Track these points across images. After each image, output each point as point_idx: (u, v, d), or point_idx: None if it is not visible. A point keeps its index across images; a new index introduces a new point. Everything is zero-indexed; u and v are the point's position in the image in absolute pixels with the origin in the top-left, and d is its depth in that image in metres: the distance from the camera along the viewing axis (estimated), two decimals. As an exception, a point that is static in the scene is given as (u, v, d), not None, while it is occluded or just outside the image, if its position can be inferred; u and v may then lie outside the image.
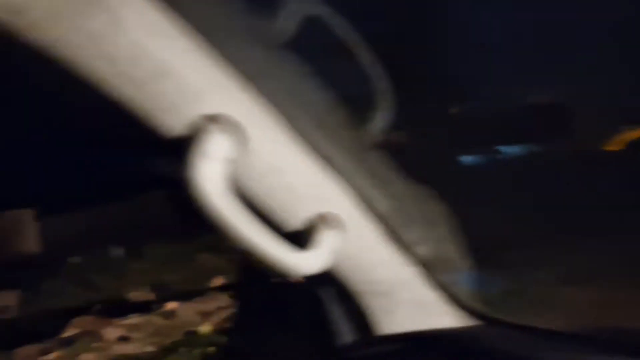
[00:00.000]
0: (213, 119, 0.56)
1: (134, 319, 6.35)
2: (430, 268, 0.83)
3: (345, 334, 0.80)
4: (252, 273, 1.30)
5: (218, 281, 8.09)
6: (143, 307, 7.03)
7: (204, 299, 6.83)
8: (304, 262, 0.65)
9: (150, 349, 5.64)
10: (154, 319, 6.29)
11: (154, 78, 0.54)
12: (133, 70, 0.53)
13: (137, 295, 8.04)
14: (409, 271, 0.80)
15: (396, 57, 0.78)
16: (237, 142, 0.58)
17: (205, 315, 6.30)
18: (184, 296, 7.15)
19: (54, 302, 8.67)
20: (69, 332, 6.42)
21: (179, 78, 0.55)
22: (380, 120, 0.76)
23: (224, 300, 6.73)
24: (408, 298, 0.81)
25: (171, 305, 6.68)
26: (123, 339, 5.87)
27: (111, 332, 6.03)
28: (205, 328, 5.84)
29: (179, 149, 0.57)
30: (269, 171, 0.64)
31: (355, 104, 0.74)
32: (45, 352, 5.91)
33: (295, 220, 0.68)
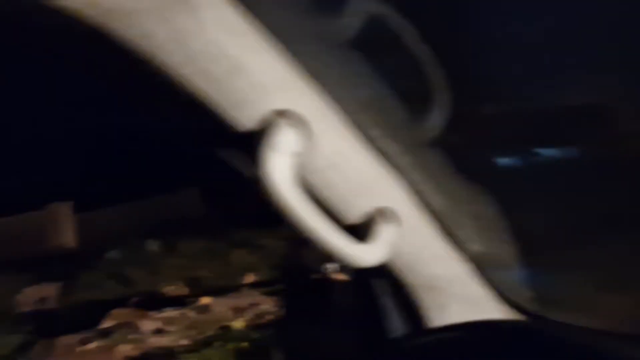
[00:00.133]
0: (283, 114, 0.59)
1: (169, 313, 6.49)
2: (482, 265, 0.83)
3: (397, 326, 0.82)
4: (295, 270, 1.32)
5: (251, 278, 8.19)
6: (178, 301, 7.17)
7: (237, 295, 6.93)
8: (364, 254, 0.67)
9: (185, 342, 5.75)
10: (189, 313, 6.42)
11: (229, 75, 0.56)
12: (210, 67, 0.56)
13: (172, 289, 8.20)
14: (461, 267, 0.81)
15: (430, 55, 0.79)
16: (303, 137, 0.61)
17: (238, 311, 6.39)
18: (217, 292, 7.27)
19: (92, 294, 8.92)
20: (107, 324, 6.60)
21: (252, 75, 0.58)
22: (436, 118, 0.77)
23: (256, 296, 6.81)
24: (459, 293, 0.82)
25: (205, 300, 6.80)
26: (159, 332, 6.00)
27: (147, 324, 6.17)
28: (238, 323, 5.93)
29: (249, 143, 0.59)
30: (329, 166, 0.66)
31: (412, 101, 0.76)
32: (85, 342, 6.09)
33: (353, 213, 0.70)
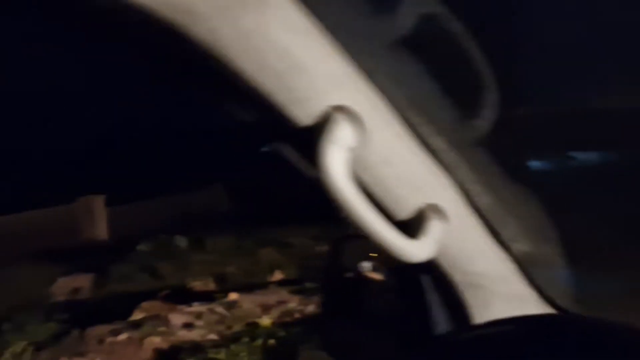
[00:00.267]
0: (341, 110, 0.60)
1: (198, 307, 6.60)
2: (526, 264, 0.84)
3: (441, 323, 0.83)
4: (330, 269, 1.34)
5: (278, 276, 8.25)
6: (206, 296, 7.27)
7: (265, 292, 7.01)
8: (414, 250, 0.68)
9: (213, 337, 5.84)
10: (217, 308, 6.51)
11: (290, 72, 0.58)
12: (272, 64, 0.58)
13: (200, 284, 8.32)
14: (505, 266, 0.82)
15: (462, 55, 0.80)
16: (358, 133, 0.62)
17: (265, 308, 6.45)
18: (245, 288, 7.35)
19: (123, 286, 9.12)
20: (137, 316, 6.73)
21: (312, 72, 0.59)
22: (485, 118, 0.78)
23: (284, 294, 6.86)
24: (503, 292, 0.83)
25: (233, 296, 6.89)
26: (187, 326, 6.11)
27: (177, 318, 6.28)
28: (265, 321, 5.99)
29: (308, 138, 0.61)
30: (382, 162, 0.68)
31: (462, 100, 0.77)
32: (115, 333, 6.24)
33: (403, 209, 0.72)
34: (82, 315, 7.12)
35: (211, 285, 8.41)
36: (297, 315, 6.21)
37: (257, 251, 10.07)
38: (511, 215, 0.84)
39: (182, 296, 7.69)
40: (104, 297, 8.74)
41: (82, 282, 9.36)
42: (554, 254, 0.90)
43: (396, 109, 0.68)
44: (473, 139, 0.78)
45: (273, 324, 5.94)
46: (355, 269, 1.35)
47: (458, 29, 0.74)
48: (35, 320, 6.82)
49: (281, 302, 6.75)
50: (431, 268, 0.79)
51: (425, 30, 0.71)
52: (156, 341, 5.81)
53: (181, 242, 11.19)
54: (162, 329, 6.13)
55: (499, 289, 0.82)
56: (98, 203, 14.40)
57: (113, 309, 7.26)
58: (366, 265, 1.35)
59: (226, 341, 5.67)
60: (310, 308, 6.33)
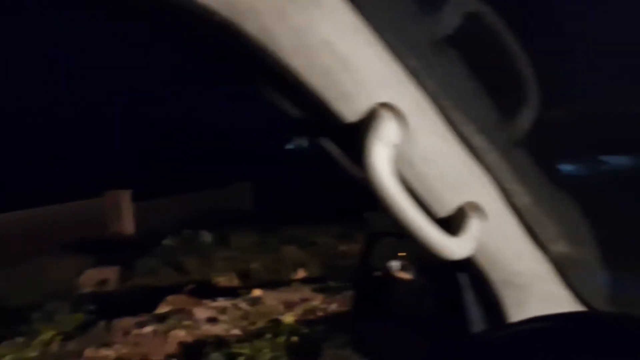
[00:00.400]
0: (386, 107, 0.61)
1: (222, 302, 6.67)
2: (563, 265, 0.84)
3: (477, 321, 0.83)
4: (361, 268, 1.35)
5: (301, 273, 8.27)
6: (230, 292, 7.34)
7: (288, 289, 7.05)
8: (454, 247, 0.69)
9: (236, 331, 5.90)
10: (241, 304, 6.57)
11: (338, 69, 0.60)
12: (320, 61, 0.59)
13: (224, 280, 8.40)
14: (542, 266, 0.82)
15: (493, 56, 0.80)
16: (402, 131, 0.63)
17: (289, 305, 6.49)
18: (268, 285, 7.40)
19: (148, 279, 9.26)
20: (162, 309, 6.83)
21: (358, 70, 0.61)
22: (526, 118, 0.78)
23: (307, 292, 6.89)
24: (539, 291, 0.83)
25: (257, 293, 6.94)
26: (212, 320, 6.18)
27: (201, 312, 6.36)
28: (288, 318, 6.02)
29: (352, 134, 0.62)
30: (423, 159, 0.69)
31: (504, 100, 0.77)
32: (141, 325, 6.34)
33: (443, 206, 0.72)
34: (109, 306, 7.26)
35: (235, 281, 8.50)
36: (320, 313, 6.23)
37: (280, 249, 10.14)
38: (549, 216, 0.83)
39: (206, 291, 7.79)
40: (129, 290, 8.90)
41: (109, 274, 9.54)
42: (590, 255, 0.90)
43: (439, 108, 0.69)
44: (513, 139, 0.78)
45: (296, 321, 5.98)
46: (384, 268, 1.36)
47: (501, 27, 0.74)
48: (64, 310, 6.98)
49: (304, 300, 6.79)
50: (468, 266, 0.79)
51: (469, 29, 0.71)
52: (181, 334, 5.90)
53: (206, 237, 11.33)
54: (187, 322, 6.22)
55: (535, 288, 0.82)
56: (125, 198, 14.67)
57: (138, 302, 7.39)
58: (395, 264, 1.35)
59: (250, 337, 5.72)
60: (334, 306, 6.36)
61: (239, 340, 5.57)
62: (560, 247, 0.84)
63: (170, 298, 7.02)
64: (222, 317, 6.23)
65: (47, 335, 6.27)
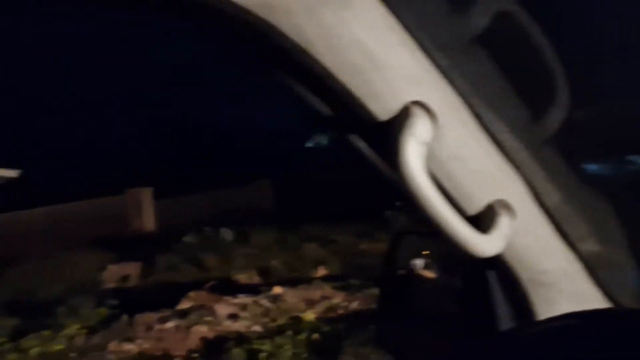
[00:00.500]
0: (419, 105, 0.62)
1: (243, 299, 6.72)
2: (593, 264, 0.83)
3: (506, 319, 0.83)
4: (389, 265, 1.35)
5: (322, 271, 8.29)
6: (250, 289, 7.39)
7: (309, 287, 7.07)
8: (484, 245, 0.69)
9: (257, 328, 5.94)
10: (262, 301, 6.61)
11: (370, 68, 0.61)
12: (351, 60, 0.60)
13: (244, 277, 8.46)
14: (572, 264, 0.81)
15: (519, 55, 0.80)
16: (433, 128, 0.64)
17: (309, 303, 6.51)
18: (289, 282, 7.43)
19: (169, 275, 9.36)
20: (184, 305, 6.91)
21: (389, 69, 0.62)
22: (556, 117, 0.78)
23: (327, 290, 6.90)
24: (569, 290, 0.82)
25: (277, 290, 6.98)
26: (233, 317, 6.23)
27: (222, 308, 6.42)
28: (309, 315, 6.04)
29: (384, 132, 0.63)
30: (453, 157, 0.69)
31: (534, 98, 0.77)
32: (163, 320, 6.42)
33: (472, 204, 0.73)
34: (131, 302, 7.37)
35: (255, 279, 8.55)
36: (341, 311, 6.24)
37: (301, 246, 10.17)
38: (579, 214, 0.83)
39: (227, 288, 7.86)
40: (151, 286, 9.02)
41: (131, 270, 9.69)
42: (621, 254, 0.89)
43: (469, 106, 0.69)
44: (543, 138, 0.78)
45: (317, 318, 6.00)
46: (408, 267, 1.37)
47: (532, 26, 0.74)
48: (88, 304, 7.10)
49: (325, 298, 6.80)
50: (497, 264, 0.79)
51: (500, 28, 0.72)
52: (202, 330, 5.96)
53: (227, 235, 11.42)
54: (208, 318, 6.29)
55: (565, 287, 0.82)
56: (147, 195, 14.87)
57: (160, 298, 7.49)
58: (418, 263, 1.36)
59: (270, 333, 5.76)
60: (355, 304, 6.36)
61: (260, 336, 5.61)
62: (589, 246, 0.84)
63: (191, 294, 7.10)
64: (243, 314, 6.28)
65: (71, 328, 6.39)
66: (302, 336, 5.41)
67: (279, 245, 9.94)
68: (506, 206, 0.74)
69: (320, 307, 6.35)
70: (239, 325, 6.01)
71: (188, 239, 10.98)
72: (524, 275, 0.81)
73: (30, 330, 6.43)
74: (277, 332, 5.64)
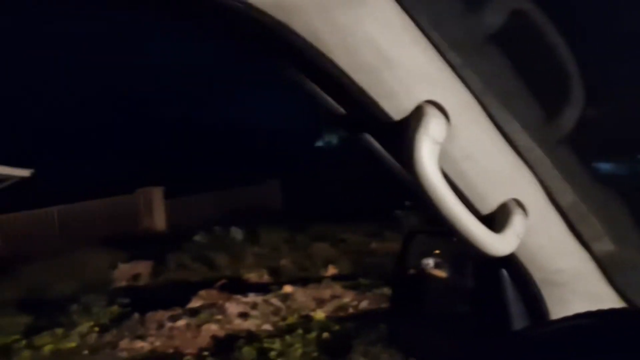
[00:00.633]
0: (433, 105, 0.62)
1: (253, 298, 6.74)
2: (607, 264, 0.83)
3: (518, 318, 0.83)
4: (401, 265, 1.35)
5: (332, 270, 8.28)
6: (260, 288, 7.41)
7: (319, 286, 7.08)
8: (498, 244, 0.69)
9: (268, 327, 5.96)
10: (272, 300, 6.63)
11: (383, 67, 0.61)
12: (367, 59, 0.60)
13: (254, 276, 8.48)
14: (586, 264, 0.81)
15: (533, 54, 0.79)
16: (446, 128, 0.64)
17: (319, 302, 6.52)
18: (299, 281, 7.44)
19: (179, 274, 9.41)
20: (195, 303, 6.93)
21: (402, 68, 0.61)
22: (571, 115, 0.77)
23: (337, 289, 6.90)
24: (583, 290, 0.82)
25: (287, 289, 6.99)
26: (243, 315, 6.25)
27: (233, 307, 6.44)
28: (319, 314, 6.05)
29: (396, 131, 0.63)
30: (466, 157, 0.69)
31: (548, 97, 0.77)
32: (174, 318, 6.45)
33: (484, 203, 0.73)
34: (142, 300, 7.42)
35: (265, 278, 8.57)
36: (351, 311, 6.24)
37: (310, 246, 10.18)
38: (593, 214, 0.83)
39: (237, 286, 7.89)
40: (161, 284, 9.07)
41: (142, 268, 9.75)
42: (635, 254, 0.89)
43: (483, 105, 0.69)
44: (558, 137, 0.78)
45: (327, 317, 6.00)
46: (419, 266, 1.36)
47: (546, 24, 0.74)
48: (99, 303, 7.16)
49: (335, 297, 6.80)
50: (510, 263, 0.79)
51: (514, 27, 0.71)
52: (213, 328, 5.99)
53: (236, 234, 11.45)
54: (219, 317, 6.31)
55: (578, 287, 0.82)
56: (157, 195, 14.95)
57: (171, 296, 7.53)
58: (429, 262, 1.36)
59: (281, 332, 5.77)
60: (365, 304, 6.36)
61: (270, 335, 5.63)
62: (603, 245, 0.83)
63: (202, 293, 7.14)
64: (253, 313, 6.30)
65: (84, 326, 6.45)
66: (312, 335, 5.41)
67: (289, 245, 9.95)
68: (519, 205, 0.73)
69: (330, 306, 6.35)
70: (249, 324, 6.02)
71: (198, 238, 11.03)
72: (537, 274, 0.80)
73: (43, 327, 6.49)
74: (287, 330, 5.65)
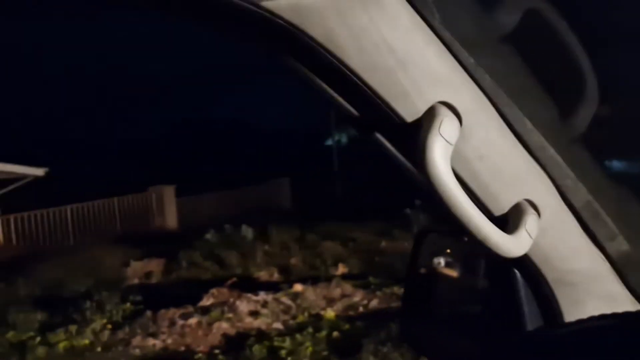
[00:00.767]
0: (446, 105, 0.62)
1: (264, 296, 6.76)
2: (622, 264, 0.82)
3: (532, 320, 0.83)
4: (414, 264, 1.35)
5: (342, 269, 8.29)
6: (271, 286, 7.44)
7: (329, 285, 7.09)
8: (511, 245, 0.69)
9: (278, 325, 5.98)
10: (282, 298, 6.65)
11: (398, 68, 0.61)
12: (382, 60, 0.60)
13: (265, 274, 8.50)
14: (600, 265, 0.80)
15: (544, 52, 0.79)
16: (459, 129, 0.64)
17: (329, 301, 6.53)
18: (309, 280, 7.45)
19: (191, 272, 9.47)
20: (206, 301, 6.97)
21: (416, 69, 0.61)
22: (585, 114, 0.77)
23: (347, 288, 6.90)
24: (597, 291, 0.81)
25: (297, 288, 7.01)
26: (254, 313, 6.28)
27: (244, 305, 6.47)
28: (329, 313, 6.06)
29: (409, 132, 0.63)
30: (478, 157, 0.69)
31: (562, 96, 0.76)
32: (186, 316, 6.50)
33: (497, 203, 0.72)
34: (154, 298, 7.47)
35: (276, 276, 8.60)
36: (361, 309, 6.25)
37: (320, 244, 10.19)
38: (608, 213, 0.82)
39: (247, 285, 7.92)
40: (173, 282, 9.14)
41: (154, 266, 9.82)
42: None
43: (497, 105, 0.69)
44: (572, 136, 0.78)
45: (337, 316, 6.01)
46: (430, 265, 1.36)
47: (560, 23, 0.73)
48: (112, 300, 7.23)
49: (345, 296, 6.81)
50: (523, 264, 0.79)
51: (528, 26, 0.71)
52: (224, 326, 6.02)
53: (247, 232, 11.50)
54: (230, 315, 6.34)
55: (593, 287, 0.81)
56: (169, 193, 15.06)
57: (182, 294, 7.58)
58: (440, 261, 1.35)
59: (291, 331, 5.79)
60: (374, 302, 6.36)
61: (280, 334, 5.64)
62: (618, 246, 0.82)
63: (213, 291, 7.17)
64: (264, 311, 6.32)
65: (97, 323, 6.52)
66: (322, 334, 5.42)
67: (299, 243, 9.97)
68: (533, 205, 0.73)
69: (340, 305, 6.36)
70: (259, 322, 6.05)
71: (209, 236, 11.09)
72: (551, 275, 0.80)
73: (58, 324, 6.57)
74: (298, 329, 5.67)
